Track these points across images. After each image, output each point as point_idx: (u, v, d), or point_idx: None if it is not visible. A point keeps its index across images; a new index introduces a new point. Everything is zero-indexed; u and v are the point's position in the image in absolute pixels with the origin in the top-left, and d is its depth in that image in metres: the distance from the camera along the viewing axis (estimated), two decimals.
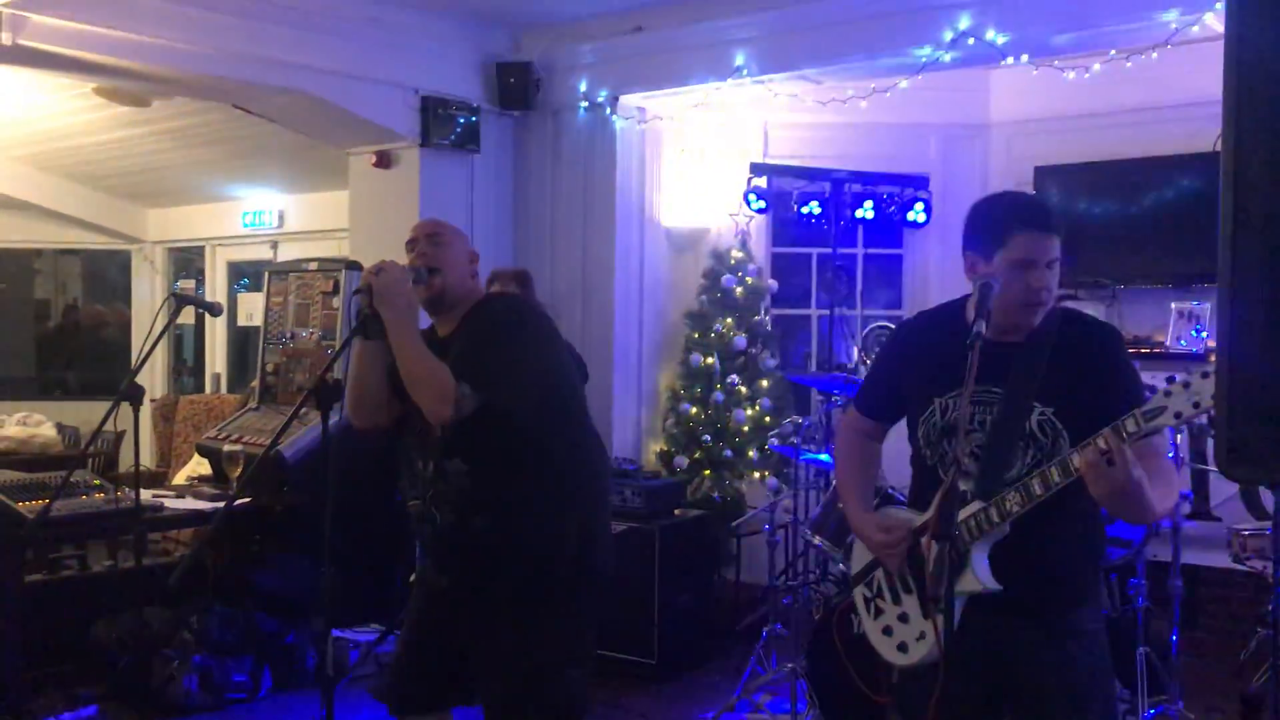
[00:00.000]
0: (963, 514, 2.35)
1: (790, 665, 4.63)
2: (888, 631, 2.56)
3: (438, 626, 2.98)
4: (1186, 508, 4.16)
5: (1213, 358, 5.15)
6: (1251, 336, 1.39)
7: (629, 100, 6.32)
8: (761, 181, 6.14)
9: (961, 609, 2.34)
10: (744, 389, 6.35)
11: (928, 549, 2.27)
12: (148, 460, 8.05)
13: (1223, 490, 5.49)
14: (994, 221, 2.44)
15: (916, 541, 2.45)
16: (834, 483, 4.65)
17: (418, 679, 3.01)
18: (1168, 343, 5.90)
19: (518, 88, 6.42)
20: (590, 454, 3.01)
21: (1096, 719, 2.42)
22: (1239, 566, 4.99)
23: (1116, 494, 2.15)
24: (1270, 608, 4.45)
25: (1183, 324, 5.90)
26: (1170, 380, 2.11)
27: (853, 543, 2.73)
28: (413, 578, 3.04)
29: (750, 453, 6.31)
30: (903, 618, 2.52)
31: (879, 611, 2.59)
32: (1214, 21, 4.49)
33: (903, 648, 2.51)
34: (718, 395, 6.29)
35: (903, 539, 2.49)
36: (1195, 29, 4.69)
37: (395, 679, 3.07)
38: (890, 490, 4.45)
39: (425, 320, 2.99)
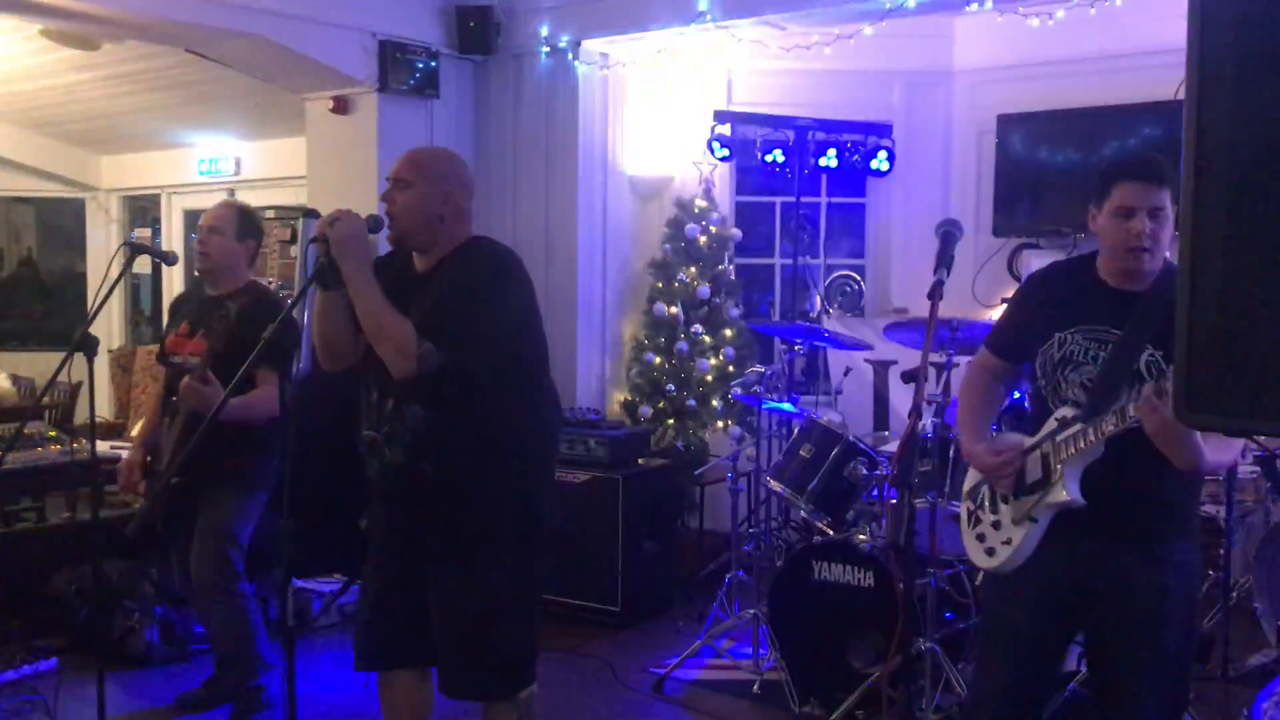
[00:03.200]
0: (1065, 434, 2.57)
1: (752, 611, 4.68)
2: (981, 538, 2.78)
3: (394, 578, 2.98)
4: None
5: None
6: (1210, 285, 1.40)
7: (591, 45, 6.24)
8: (725, 129, 6.10)
9: (1049, 519, 2.60)
10: (708, 338, 6.35)
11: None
12: (105, 411, 7.97)
13: None
14: (1104, 174, 2.63)
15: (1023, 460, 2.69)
16: (796, 430, 4.68)
17: (378, 632, 3.02)
18: None
19: (478, 32, 6.31)
20: (546, 411, 3.03)
21: (1174, 643, 2.59)
22: None
23: (1161, 432, 2.34)
24: (1222, 551, 4.54)
25: None
26: None
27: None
28: (364, 523, 3.00)
29: (714, 402, 6.32)
30: (995, 524, 2.74)
31: (977, 521, 2.82)
32: None
33: (990, 551, 2.73)
34: (681, 345, 6.29)
35: (1011, 459, 2.68)
36: None
37: (358, 632, 3.08)
38: (853, 439, 4.48)
39: None
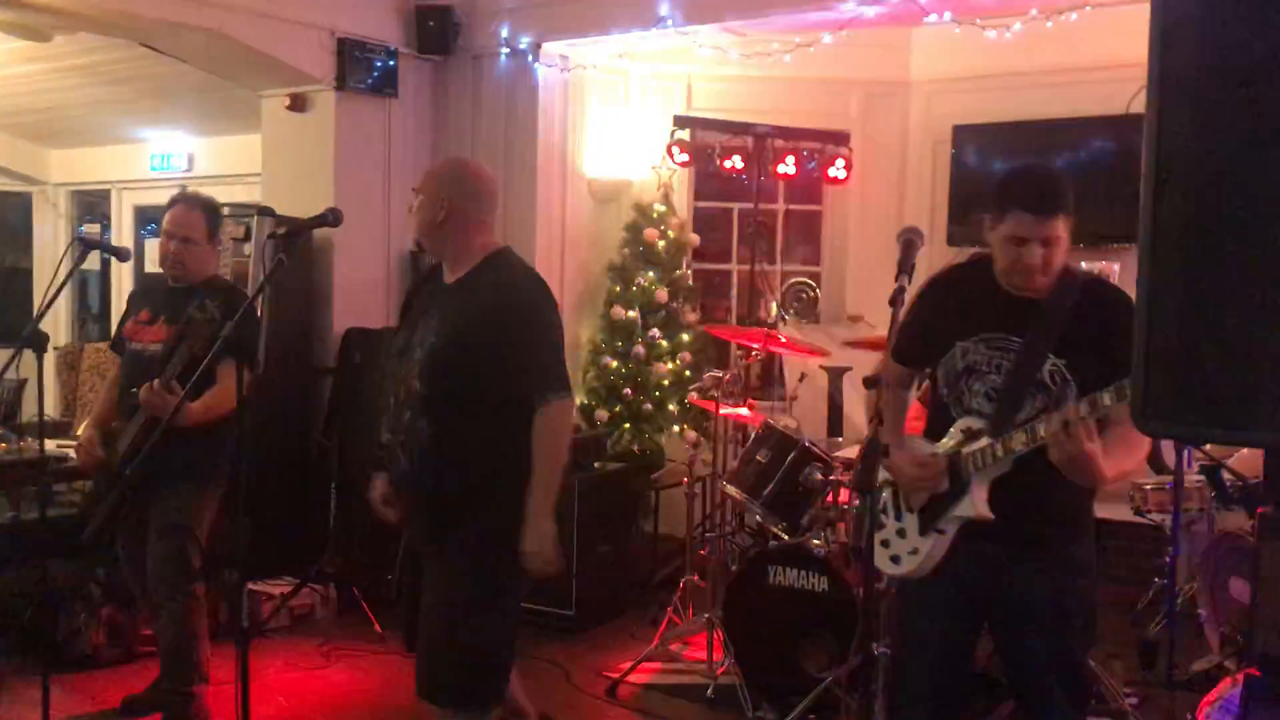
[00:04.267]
0: (972, 448, 2.61)
1: (707, 616, 4.69)
2: (885, 544, 2.81)
3: (416, 575, 3.14)
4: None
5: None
6: (1169, 296, 1.42)
7: (551, 48, 6.23)
8: (684, 134, 6.11)
9: (956, 530, 2.64)
10: (665, 343, 6.36)
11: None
12: (52, 409, 7.82)
13: None
14: (1000, 196, 2.61)
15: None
16: (753, 435, 4.70)
17: (411, 620, 3.16)
18: None
19: (437, 32, 6.28)
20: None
21: (1078, 636, 2.67)
22: (1139, 519, 5.16)
23: (1068, 462, 2.39)
24: (1167, 559, 4.61)
25: None
26: None
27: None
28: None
29: (670, 406, 6.34)
30: (900, 533, 2.77)
31: (880, 526, 2.83)
32: None
33: (895, 559, 2.78)
34: (638, 349, 6.29)
35: (934, 475, 2.69)
36: None
37: (403, 619, 3.27)
38: (809, 444, 4.50)
39: None
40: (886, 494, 2.85)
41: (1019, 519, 2.59)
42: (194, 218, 4.05)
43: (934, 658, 2.75)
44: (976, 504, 2.58)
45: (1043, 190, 2.58)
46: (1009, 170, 2.74)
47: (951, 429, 2.67)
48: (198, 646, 4.00)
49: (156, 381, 3.63)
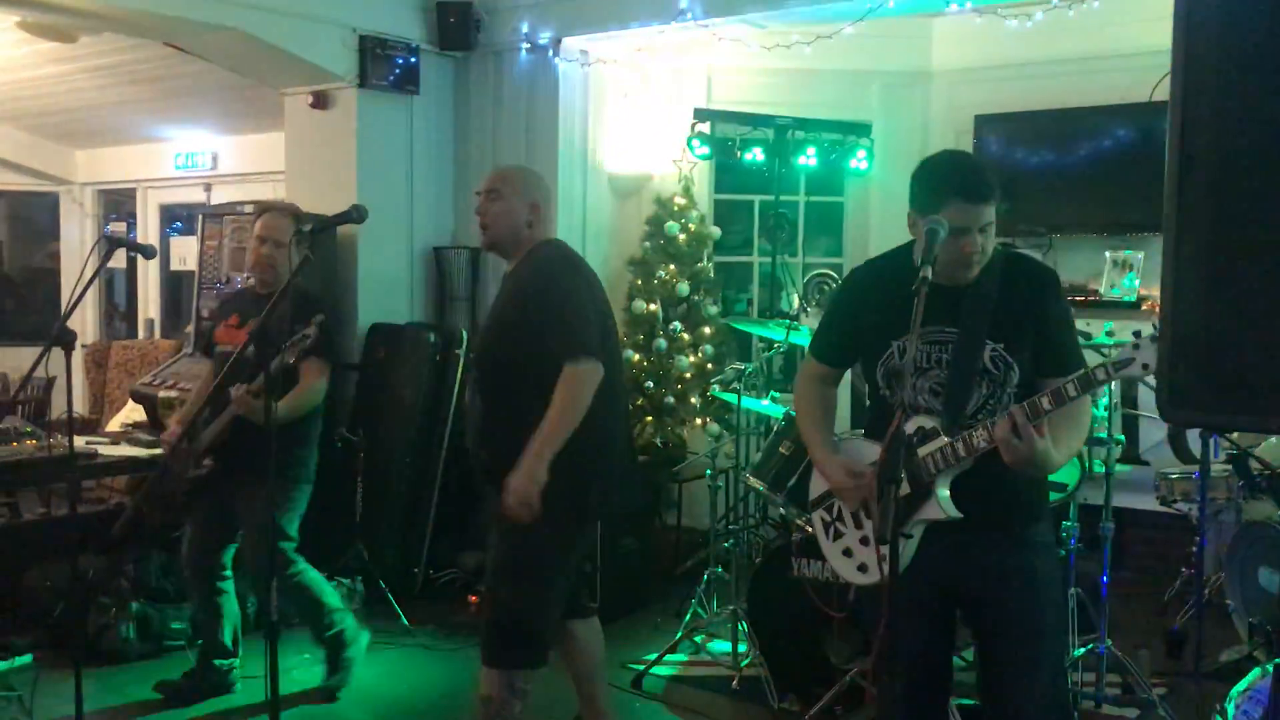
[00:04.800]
0: (928, 449, 2.53)
1: (731, 608, 4.70)
2: (848, 553, 2.72)
3: None
4: (1118, 452, 4.25)
5: (1144, 305, 5.25)
6: (1193, 285, 1.42)
7: (572, 43, 6.24)
8: (705, 127, 6.11)
9: (922, 534, 2.55)
10: (686, 336, 6.37)
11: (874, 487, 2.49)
12: (80, 407, 7.91)
13: (1151, 436, 5.64)
14: (932, 189, 2.55)
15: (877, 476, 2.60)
16: (775, 428, 4.70)
17: None
18: (1101, 290, 6.01)
19: (458, 28, 6.30)
20: (610, 403, 3.19)
21: (1052, 619, 2.64)
22: (1165, 509, 5.14)
23: (1020, 463, 2.39)
24: (1194, 549, 4.59)
25: (1116, 272, 6.01)
26: (1136, 334, 2.30)
27: (809, 470, 2.87)
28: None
29: (692, 399, 6.34)
30: (864, 541, 2.68)
31: (839, 534, 2.75)
32: None
33: (863, 569, 2.68)
34: (660, 342, 6.30)
35: (868, 482, 2.62)
36: None
37: None
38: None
39: None
40: (840, 502, 2.76)
41: (977, 506, 2.53)
42: (283, 223, 4.19)
43: (914, 661, 2.62)
44: (944, 505, 2.52)
45: (977, 178, 2.54)
46: (933, 163, 2.63)
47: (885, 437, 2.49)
48: (322, 599, 4.33)
49: (244, 388, 3.82)
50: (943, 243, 2.47)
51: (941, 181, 2.54)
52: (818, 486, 2.84)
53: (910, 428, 2.56)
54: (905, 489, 2.54)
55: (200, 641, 4.45)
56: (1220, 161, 1.40)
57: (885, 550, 2.39)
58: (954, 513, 2.51)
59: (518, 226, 3.23)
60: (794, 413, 3.65)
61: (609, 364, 3.18)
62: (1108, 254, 6.04)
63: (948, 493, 2.52)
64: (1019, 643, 2.58)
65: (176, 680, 4.36)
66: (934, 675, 2.70)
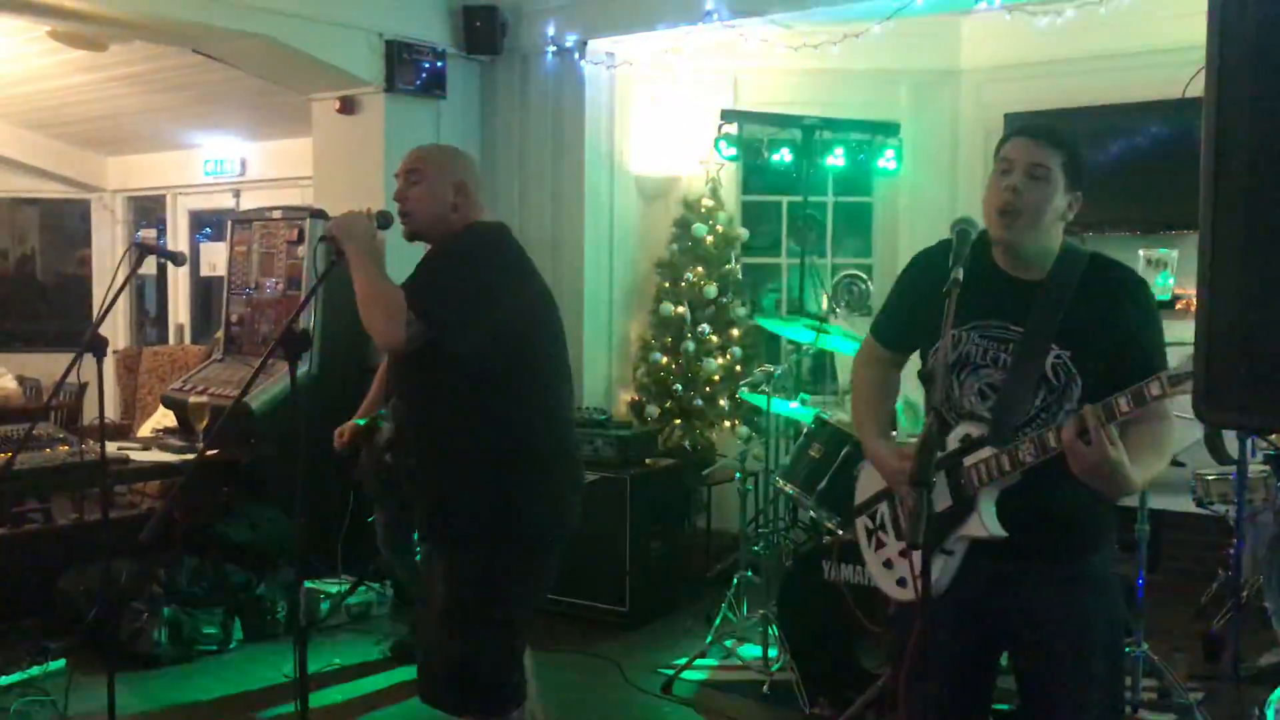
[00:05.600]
0: (974, 459, 2.31)
1: (761, 612, 4.67)
2: (888, 565, 2.52)
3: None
4: None
5: (1179, 304, 5.17)
6: (1229, 280, 1.39)
7: (598, 45, 6.23)
8: (732, 128, 6.09)
9: (964, 551, 2.33)
10: (715, 338, 6.34)
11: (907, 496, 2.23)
12: (111, 412, 7.97)
13: (1187, 436, 5.55)
14: (1001, 140, 2.43)
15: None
16: (804, 430, 4.66)
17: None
18: None
19: (484, 32, 6.31)
20: (550, 411, 2.92)
21: (1102, 668, 2.35)
22: (1202, 510, 5.07)
23: (1090, 472, 2.12)
24: (1231, 551, 4.53)
25: (1150, 270, 5.92)
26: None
27: (859, 473, 2.66)
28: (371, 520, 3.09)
29: (721, 401, 6.32)
30: (904, 553, 2.44)
31: (880, 544, 2.56)
32: None
33: (902, 583, 2.46)
34: (688, 344, 6.28)
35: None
36: None
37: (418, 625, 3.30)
38: None
39: None
40: (884, 510, 2.56)
41: (1028, 529, 2.28)
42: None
43: (943, 689, 2.33)
44: (986, 522, 2.29)
45: (1043, 123, 2.44)
46: None
47: (949, 436, 2.36)
48: None
49: None
50: (991, 184, 2.32)
51: (1011, 130, 2.42)
52: (865, 490, 2.64)
53: (955, 435, 2.35)
54: (947, 502, 2.33)
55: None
56: (1256, 156, 1.37)
57: (932, 563, 2.23)
58: (998, 530, 2.28)
59: (443, 211, 2.88)
60: (849, 395, 3.29)
61: (550, 373, 2.93)
62: (1141, 252, 5.96)
63: (993, 508, 2.30)
64: (1063, 695, 2.33)
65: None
66: (971, 689, 2.45)
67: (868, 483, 2.64)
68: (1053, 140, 2.35)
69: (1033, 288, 2.34)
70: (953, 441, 2.35)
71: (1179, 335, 2.14)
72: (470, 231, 2.92)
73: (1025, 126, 2.41)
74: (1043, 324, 2.30)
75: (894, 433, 2.66)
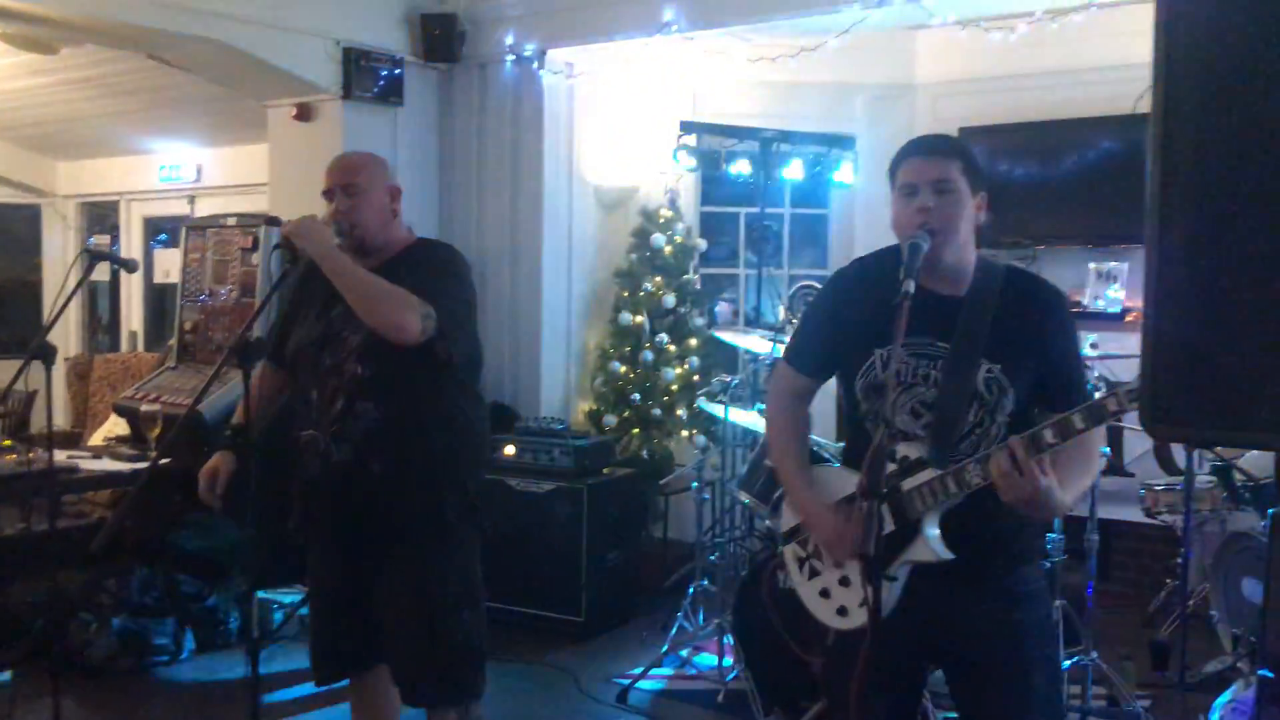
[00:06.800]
0: (915, 481, 2.26)
1: (717, 621, 4.68)
2: (825, 594, 2.42)
3: (340, 587, 3.00)
4: (1102, 464, 4.25)
5: (1129, 317, 5.24)
6: (1175, 298, 1.42)
7: (557, 55, 6.24)
8: (691, 140, 6.11)
9: (908, 576, 2.27)
10: (673, 347, 6.36)
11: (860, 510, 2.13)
12: (62, 421, 7.84)
13: (1136, 447, 5.64)
14: (892, 163, 2.41)
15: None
16: (761, 440, 4.68)
17: (334, 646, 3.05)
18: (1085, 301, 6.02)
19: (442, 40, 6.30)
20: (481, 405, 3.10)
21: (1042, 680, 2.33)
22: (1150, 520, 5.14)
23: (1021, 502, 2.13)
24: (1179, 560, 4.60)
25: (1101, 283, 6.02)
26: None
27: (781, 499, 2.61)
28: (292, 525, 3.03)
29: (679, 411, 6.33)
30: (844, 581, 2.38)
31: (814, 572, 2.45)
32: None
33: (842, 611, 2.38)
34: (647, 354, 6.29)
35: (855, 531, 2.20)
36: None
37: (314, 650, 3.09)
38: (817, 449, 4.49)
39: None
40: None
41: (961, 546, 2.24)
42: None
43: (886, 709, 2.33)
44: (934, 546, 2.23)
45: (935, 137, 2.44)
46: None
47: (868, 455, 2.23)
48: None
49: None
50: (901, 210, 2.31)
51: (900, 150, 2.40)
52: (790, 518, 2.53)
53: (895, 458, 2.29)
54: (890, 526, 2.26)
55: None
56: (1201, 173, 1.40)
57: (870, 591, 2.14)
58: (945, 554, 2.23)
59: (386, 218, 2.93)
60: (765, 436, 3.29)
61: (477, 371, 3.08)
62: (1092, 265, 6.05)
63: (937, 531, 2.25)
64: (1006, 710, 2.32)
65: None
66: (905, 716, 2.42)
67: (790, 510, 2.56)
68: (947, 151, 2.36)
69: (955, 303, 2.33)
70: (889, 464, 2.28)
71: (1130, 348, 2.17)
72: (433, 245, 3.06)
73: (914, 145, 2.40)
74: (970, 338, 2.28)
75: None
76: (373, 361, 2.81)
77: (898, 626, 2.23)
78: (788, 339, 4.76)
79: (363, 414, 2.82)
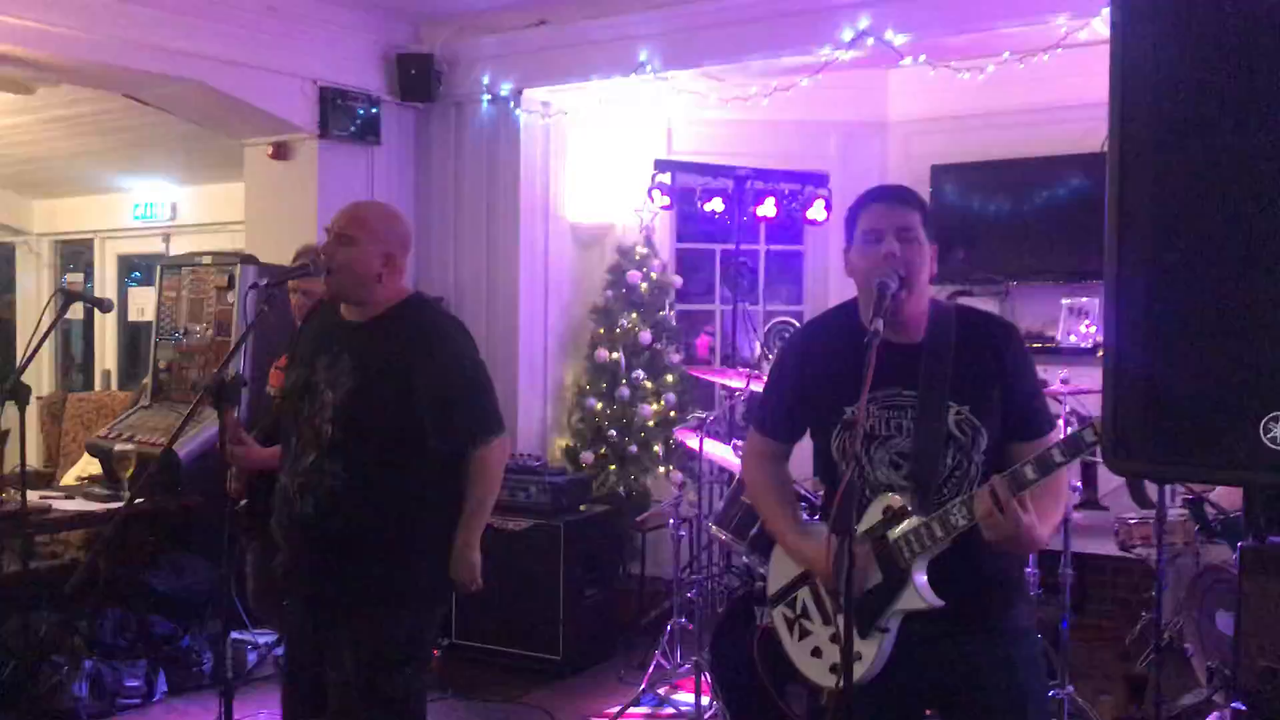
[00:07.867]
0: (900, 530, 2.28)
1: (695, 659, 4.67)
2: (817, 653, 2.43)
3: (302, 638, 3.00)
4: (1076, 498, 4.29)
5: (1100, 353, 5.29)
6: (1135, 334, 1.45)
7: (533, 94, 6.28)
8: (665, 178, 6.15)
9: (898, 625, 2.29)
10: (649, 384, 6.37)
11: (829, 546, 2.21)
12: (35, 460, 7.78)
13: (1110, 481, 5.68)
14: (851, 210, 2.45)
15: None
16: (737, 476, 4.69)
17: (298, 692, 3.04)
18: (1058, 337, 6.07)
19: (419, 79, 6.33)
20: (456, 486, 2.98)
21: (1034, 713, 2.38)
22: (1125, 554, 5.17)
23: (1005, 541, 2.18)
24: (1154, 593, 4.62)
25: (1072, 319, 6.08)
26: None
27: (771, 561, 2.61)
28: (276, 564, 3.02)
29: (655, 447, 6.34)
30: (834, 639, 2.36)
31: (805, 633, 2.47)
32: (1100, 27, 4.62)
33: (835, 669, 2.35)
34: (623, 390, 6.31)
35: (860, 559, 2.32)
36: (1083, 34, 4.82)
37: (283, 694, 3.10)
38: (794, 485, 4.50)
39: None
40: (805, 597, 2.47)
41: (951, 590, 2.26)
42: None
43: None
44: (923, 593, 2.25)
45: (894, 186, 2.50)
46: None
47: (869, 509, 2.33)
48: None
49: None
50: (866, 255, 2.34)
51: (859, 198, 2.45)
52: (779, 578, 2.55)
53: (876, 510, 2.32)
54: (878, 578, 2.28)
55: None
56: (1159, 213, 1.43)
57: (864, 647, 2.27)
58: (935, 601, 2.24)
59: (368, 278, 2.87)
60: (748, 498, 3.38)
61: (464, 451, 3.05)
62: (1064, 301, 6.11)
63: (925, 579, 2.26)
64: None
65: None
66: None
67: (781, 569, 2.56)
68: (908, 201, 2.42)
69: (915, 350, 2.35)
70: (874, 513, 2.32)
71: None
72: (443, 316, 3.13)
73: (877, 192, 2.45)
74: (935, 383, 2.31)
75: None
76: (343, 426, 2.81)
77: (894, 672, 2.28)
78: (761, 382, 4.78)
79: (330, 473, 2.81)
